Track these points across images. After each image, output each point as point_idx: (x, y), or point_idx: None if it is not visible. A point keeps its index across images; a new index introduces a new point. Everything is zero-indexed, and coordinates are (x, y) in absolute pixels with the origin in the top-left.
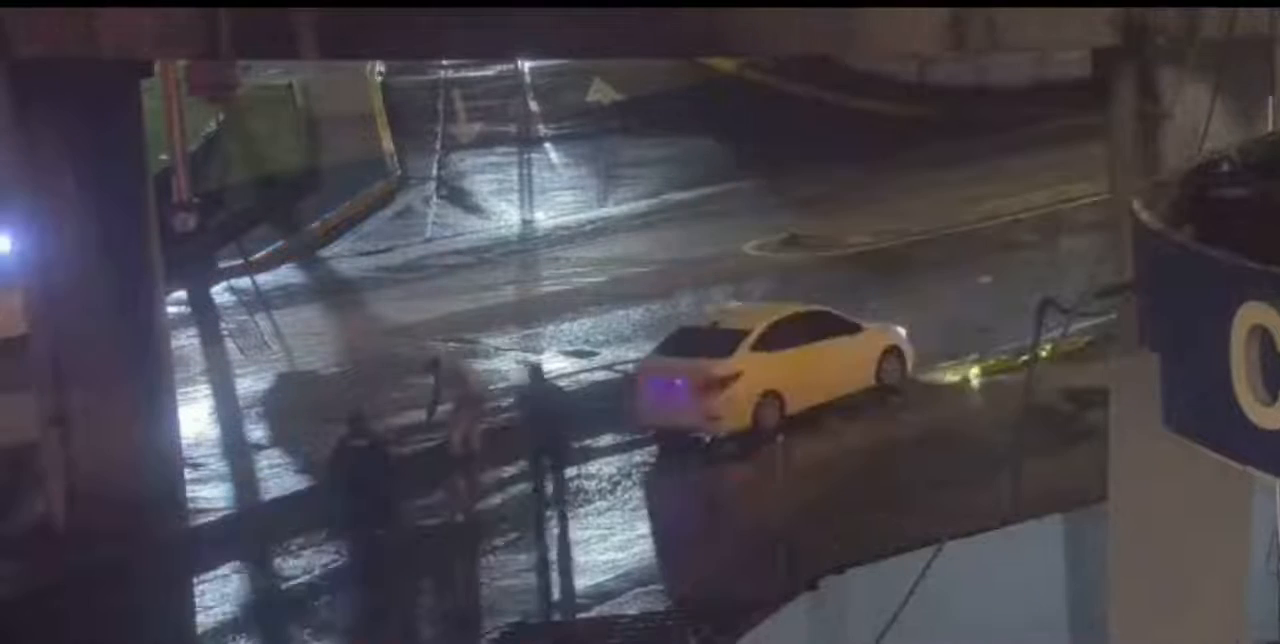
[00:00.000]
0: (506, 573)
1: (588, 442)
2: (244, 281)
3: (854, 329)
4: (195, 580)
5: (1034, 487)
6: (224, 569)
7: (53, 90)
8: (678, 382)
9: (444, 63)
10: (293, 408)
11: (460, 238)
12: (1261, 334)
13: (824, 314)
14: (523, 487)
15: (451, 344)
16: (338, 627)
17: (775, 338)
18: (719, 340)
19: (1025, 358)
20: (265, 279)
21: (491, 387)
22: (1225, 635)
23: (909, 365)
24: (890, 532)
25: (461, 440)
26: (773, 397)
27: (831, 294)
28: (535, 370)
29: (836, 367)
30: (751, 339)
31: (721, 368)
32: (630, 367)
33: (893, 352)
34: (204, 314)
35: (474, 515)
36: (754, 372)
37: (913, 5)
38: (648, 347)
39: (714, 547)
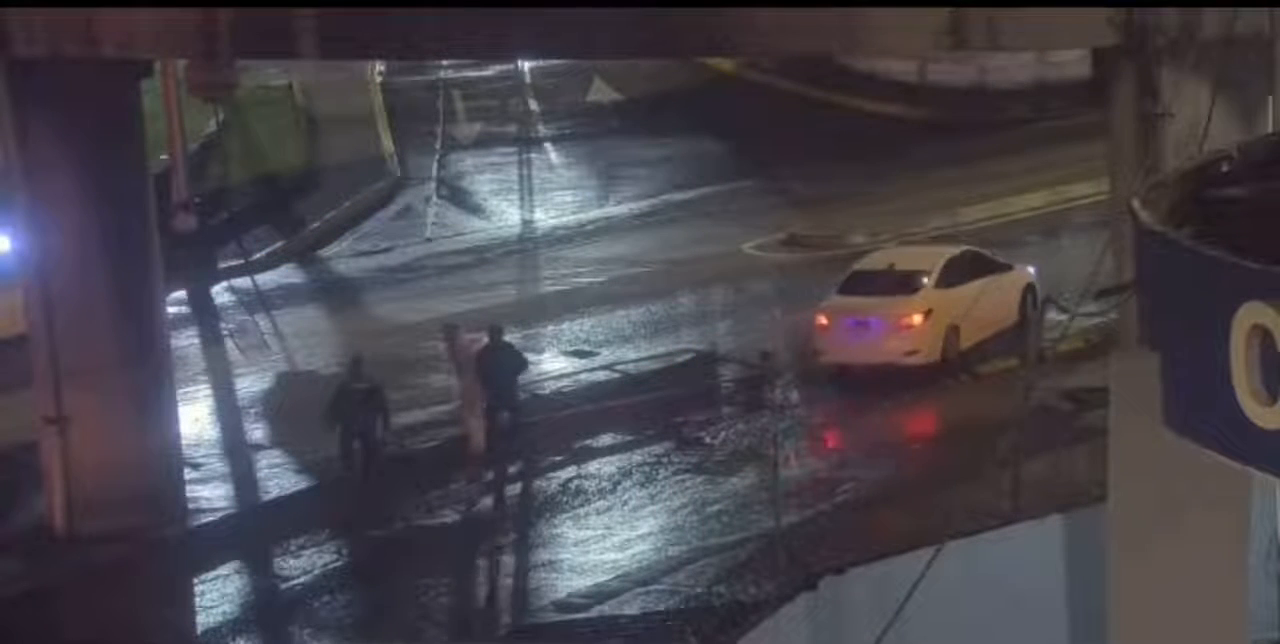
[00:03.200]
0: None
1: (588, 442)
2: (244, 281)
3: (1006, 268)
4: (195, 580)
5: None
6: (224, 569)
7: (53, 90)
8: (871, 320)
9: (444, 63)
10: (293, 408)
11: (460, 238)
12: (1262, 334)
13: (980, 254)
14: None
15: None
16: (337, 625)
17: (949, 276)
18: (901, 280)
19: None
20: (265, 279)
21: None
22: (1225, 635)
23: (1039, 302)
24: None
25: (470, 438)
26: (953, 331)
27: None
28: (494, 331)
29: (995, 303)
30: (933, 278)
31: (916, 304)
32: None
33: (1030, 289)
34: (204, 314)
35: (476, 513)
36: (939, 308)
37: (913, 5)
38: (648, 346)
39: None
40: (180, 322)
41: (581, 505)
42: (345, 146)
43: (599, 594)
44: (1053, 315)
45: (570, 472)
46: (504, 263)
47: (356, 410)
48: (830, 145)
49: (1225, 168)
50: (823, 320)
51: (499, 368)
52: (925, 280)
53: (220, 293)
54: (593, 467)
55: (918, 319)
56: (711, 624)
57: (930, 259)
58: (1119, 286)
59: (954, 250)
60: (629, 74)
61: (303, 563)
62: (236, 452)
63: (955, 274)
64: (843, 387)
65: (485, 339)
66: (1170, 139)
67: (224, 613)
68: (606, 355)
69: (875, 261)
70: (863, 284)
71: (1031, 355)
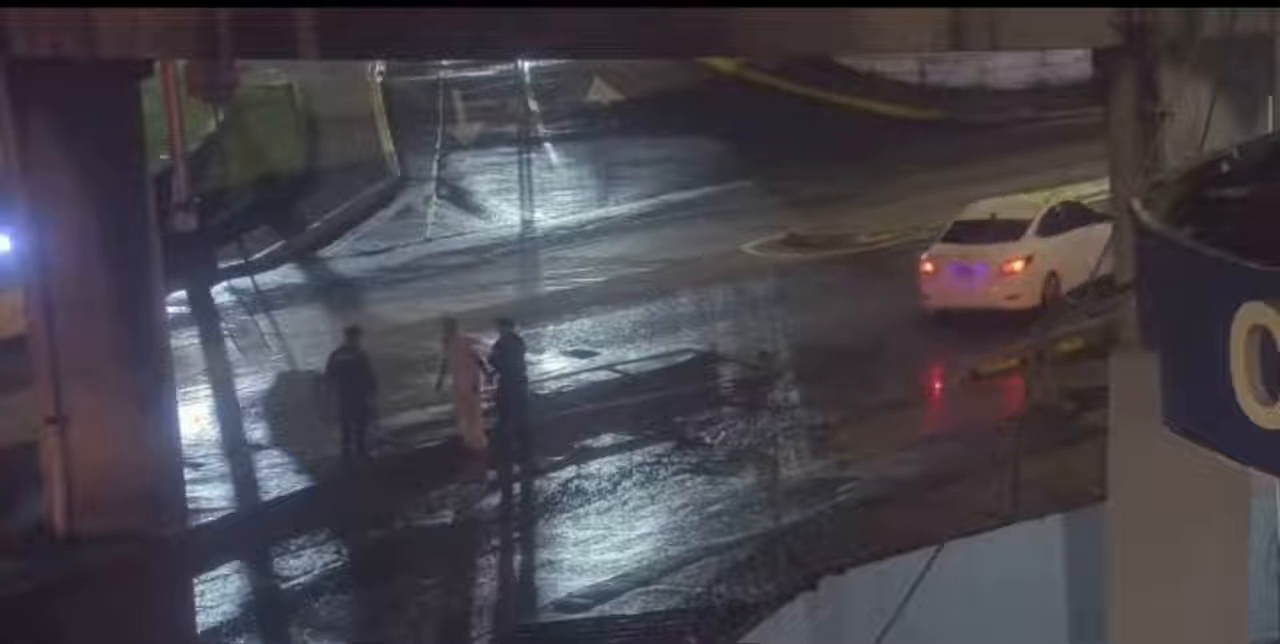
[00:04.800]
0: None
1: (588, 442)
2: (244, 281)
3: (1101, 219)
4: (195, 580)
5: None
6: (224, 569)
7: (52, 90)
8: (976, 267)
9: (444, 63)
10: (293, 408)
11: (460, 238)
12: (1262, 334)
13: (1079, 205)
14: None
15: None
16: (337, 625)
17: (1049, 225)
18: (1004, 229)
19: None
20: (265, 279)
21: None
22: (1225, 635)
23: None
24: None
25: (465, 437)
26: (1053, 277)
27: (831, 294)
28: (504, 322)
29: (1089, 251)
30: (1035, 226)
31: (1018, 251)
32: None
33: None
34: (204, 314)
35: (476, 513)
36: (1040, 255)
37: (913, 5)
38: (648, 346)
39: None
40: (180, 321)
41: (581, 505)
42: (345, 146)
43: (599, 594)
44: None
45: (570, 472)
46: (504, 263)
47: (343, 383)
48: (830, 145)
49: (1225, 168)
50: (928, 267)
51: (513, 363)
52: (1027, 228)
53: (220, 293)
54: (593, 467)
55: (1019, 265)
56: (711, 624)
57: (1031, 208)
58: (1119, 286)
59: (1054, 200)
60: (629, 74)
61: (303, 563)
62: (236, 452)
63: (1055, 223)
64: (844, 385)
65: (483, 339)
66: (1170, 139)
67: (224, 613)
68: (606, 355)
69: (977, 211)
70: (966, 232)
71: (1040, 352)
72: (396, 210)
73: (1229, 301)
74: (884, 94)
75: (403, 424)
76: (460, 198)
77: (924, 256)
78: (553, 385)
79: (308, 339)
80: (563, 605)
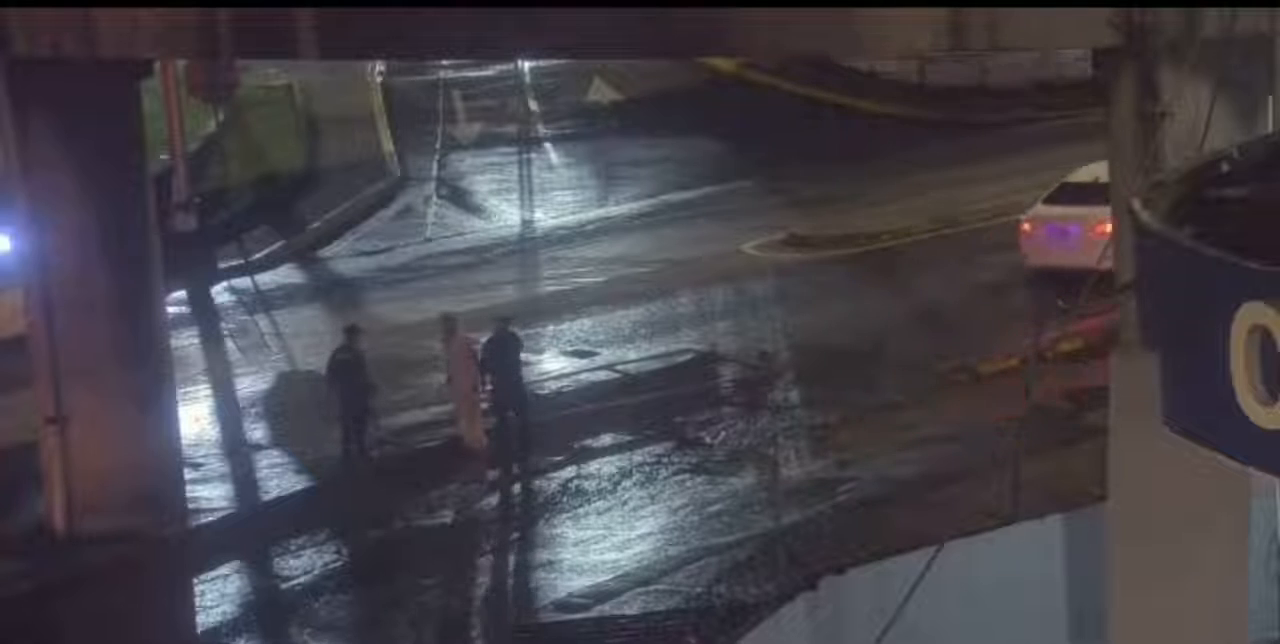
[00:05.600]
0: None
1: (588, 442)
2: (244, 281)
3: None
4: (195, 580)
5: None
6: (224, 569)
7: (53, 90)
8: (1070, 228)
9: (444, 63)
10: (293, 408)
11: (460, 238)
12: (1262, 334)
13: None
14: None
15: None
16: (337, 625)
17: None
18: (1103, 192)
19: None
20: (265, 279)
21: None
22: (1225, 635)
23: None
24: None
25: (466, 436)
26: None
27: (831, 294)
28: (501, 319)
29: None
30: None
31: (1110, 213)
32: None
33: None
34: (204, 314)
35: (476, 513)
36: None
37: (913, 5)
38: (648, 346)
39: None
40: (180, 321)
41: (581, 505)
42: (345, 146)
43: (599, 594)
44: None
45: (570, 472)
46: (504, 263)
47: (343, 382)
48: (830, 145)
49: (1225, 168)
50: (1026, 227)
51: (507, 360)
52: None
53: (220, 293)
54: (593, 467)
55: (1110, 227)
56: (711, 624)
57: None
58: (1120, 286)
59: None
60: (629, 74)
61: (303, 563)
62: (236, 452)
63: None
64: (844, 385)
65: (483, 339)
66: (1170, 139)
67: (224, 613)
68: (606, 355)
69: (1083, 174)
70: (1068, 195)
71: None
72: (396, 210)
73: (1229, 301)
74: (884, 94)
75: (403, 424)
76: (460, 198)
77: (1024, 217)
78: (553, 385)
79: (308, 339)
80: (563, 605)
